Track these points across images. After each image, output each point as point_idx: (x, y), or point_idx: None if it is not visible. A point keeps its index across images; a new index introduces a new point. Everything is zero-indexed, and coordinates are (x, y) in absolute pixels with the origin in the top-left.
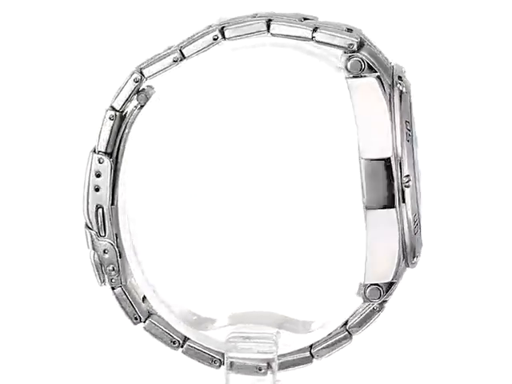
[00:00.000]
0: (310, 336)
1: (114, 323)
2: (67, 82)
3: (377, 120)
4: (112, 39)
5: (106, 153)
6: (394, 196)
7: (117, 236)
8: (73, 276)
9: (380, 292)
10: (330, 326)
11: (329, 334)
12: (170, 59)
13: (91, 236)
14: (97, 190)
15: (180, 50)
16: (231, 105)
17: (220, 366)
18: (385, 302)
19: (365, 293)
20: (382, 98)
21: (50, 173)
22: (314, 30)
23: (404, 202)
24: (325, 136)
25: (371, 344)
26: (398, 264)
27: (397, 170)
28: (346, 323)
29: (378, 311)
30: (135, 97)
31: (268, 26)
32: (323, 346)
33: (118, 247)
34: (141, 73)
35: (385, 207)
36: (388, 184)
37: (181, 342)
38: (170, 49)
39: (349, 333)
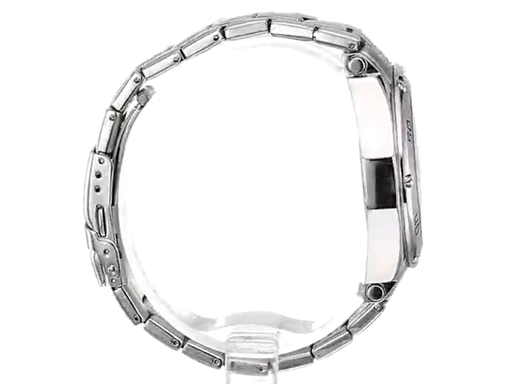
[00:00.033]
0: (310, 336)
1: (115, 323)
2: (67, 82)
3: (378, 120)
4: (112, 39)
5: (106, 153)
6: (395, 196)
7: (117, 236)
8: (73, 276)
9: (381, 292)
10: (331, 325)
11: (329, 334)
12: (170, 59)
13: (91, 236)
14: (97, 190)
15: (180, 50)
16: (232, 105)
17: (220, 366)
18: (385, 301)
19: (366, 293)
20: (383, 97)
21: (50, 173)
22: (315, 29)
23: (405, 201)
24: (325, 136)
25: (372, 344)
26: (399, 264)
27: (398, 170)
28: (346, 323)
29: (379, 311)
30: (135, 97)
31: (268, 26)
32: (324, 345)
33: (118, 247)
34: (141, 73)
35: (386, 207)
36: (389, 184)
37: (181, 342)
38: (170, 49)
39: (349, 332)
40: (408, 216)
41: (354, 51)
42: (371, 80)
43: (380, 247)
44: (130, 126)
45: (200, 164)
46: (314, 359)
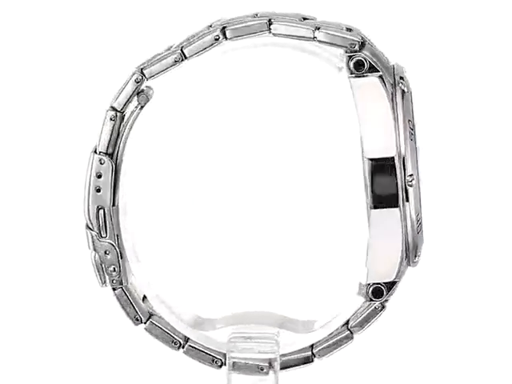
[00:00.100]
0: (311, 336)
1: (115, 324)
2: (68, 82)
3: (380, 119)
4: (112, 39)
5: (106, 153)
6: (397, 195)
7: (118, 237)
8: (73, 277)
9: (382, 291)
10: (331, 325)
11: (330, 334)
12: (171, 59)
13: (92, 237)
14: (98, 190)
15: (181, 50)
16: (232, 105)
17: (221, 366)
18: (386, 301)
19: (367, 292)
20: (384, 97)
21: (50, 174)
22: (316, 29)
23: (408, 201)
24: (326, 136)
25: (372, 343)
26: (401, 263)
27: (400, 169)
28: (347, 323)
29: (380, 310)
30: (136, 97)
31: (269, 26)
32: (324, 345)
33: (119, 248)
34: (142, 73)
35: (388, 206)
36: (391, 183)
37: (182, 342)
38: (170, 49)
39: (350, 332)
40: (410, 215)
41: (355, 51)
42: (373, 80)
43: (382, 247)
44: (131, 127)
45: (201, 164)
46: (315, 359)
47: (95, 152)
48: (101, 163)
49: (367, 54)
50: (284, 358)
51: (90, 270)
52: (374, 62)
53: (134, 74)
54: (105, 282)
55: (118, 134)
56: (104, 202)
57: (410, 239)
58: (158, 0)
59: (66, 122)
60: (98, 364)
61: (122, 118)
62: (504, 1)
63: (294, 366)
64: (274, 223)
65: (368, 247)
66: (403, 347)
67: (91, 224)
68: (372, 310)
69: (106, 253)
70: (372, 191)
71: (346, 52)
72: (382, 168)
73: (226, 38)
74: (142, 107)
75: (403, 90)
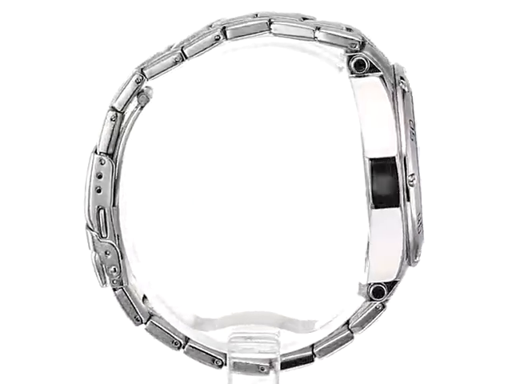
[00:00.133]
0: (311, 335)
1: (116, 324)
2: (68, 82)
3: (381, 119)
4: (112, 39)
5: (107, 154)
6: (398, 195)
7: (118, 237)
8: (74, 278)
9: (383, 291)
10: (332, 325)
11: (330, 334)
12: (171, 60)
13: (92, 237)
14: (98, 191)
15: (181, 51)
16: (233, 105)
17: (222, 366)
18: (387, 300)
19: (368, 292)
20: (385, 96)
21: (51, 174)
22: (316, 29)
23: (409, 200)
24: (326, 136)
25: (373, 343)
26: (402, 263)
27: (402, 169)
28: (347, 322)
29: (381, 310)
30: (136, 98)
31: (269, 26)
32: (325, 345)
33: (119, 248)
34: (142, 73)
35: (389, 206)
36: (393, 183)
37: (182, 342)
38: (170, 49)
39: (351, 332)
40: (411, 215)
41: (356, 51)
42: (374, 80)
43: (383, 246)
44: (131, 127)
45: (201, 165)
46: (316, 359)
47: (95, 152)
48: (101, 163)
49: (368, 53)
50: (284, 358)
51: (90, 271)
52: (374, 61)
53: (134, 74)
54: (105, 282)
55: (119, 135)
56: (104, 203)
57: (410, 239)
58: (158, 0)
59: (67, 123)
60: (99, 364)
61: (122, 118)
62: (504, 1)
63: (294, 365)
64: (275, 223)
65: (369, 247)
66: (403, 347)
67: (91, 224)
68: (372, 310)
69: (106, 253)
70: (373, 191)
71: (347, 52)
72: (382, 168)
73: (226, 38)
74: (142, 107)
75: (404, 90)
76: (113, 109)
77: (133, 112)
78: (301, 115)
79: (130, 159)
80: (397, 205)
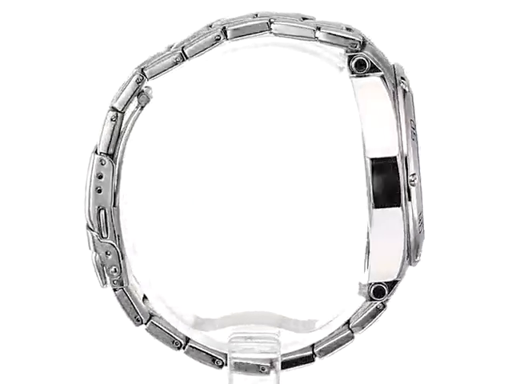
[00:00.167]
0: (311, 335)
1: (116, 324)
2: (68, 82)
3: (382, 119)
4: (112, 39)
5: (107, 154)
6: (400, 195)
7: (118, 237)
8: (74, 278)
9: (384, 291)
10: (332, 325)
11: (331, 334)
12: (171, 60)
13: (93, 237)
14: (99, 191)
15: (182, 51)
16: (234, 105)
17: (222, 366)
18: (387, 300)
19: (369, 292)
20: (386, 96)
21: (51, 174)
22: (317, 29)
23: (410, 200)
24: (327, 136)
25: (373, 343)
26: (403, 262)
27: (403, 169)
28: (348, 322)
29: (381, 310)
30: (136, 98)
31: (270, 26)
32: (325, 345)
33: (119, 248)
34: (142, 73)
35: (390, 206)
36: (394, 182)
37: (183, 342)
38: (171, 49)
39: (351, 331)
40: (412, 215)
41: (357, 51)
42: (375, 79)
43: (384, 246)
44: (131, 127)
45: (202, 165)
46: (316, 358)
47: (96, 152)
48: (101, 164)
49: (368, 53)
50: (285, 358)
51: (90, 271)
52: (375, 61)
53: (134, 74)
54: (105, 282)
55: (119, 135)
56: (105, 203)
57: (411, 239)
58: (158, 0)
59: (67, 123)
60: (100, 364)
61: (123, 119)
62: (504, 1)
63: (294, 365)
64: (275, 223)
65: (370, 247)
66: (404, 347)
67: (92, 224)
68: (373, 310)
69: (106, 253)
70: (374, 191)
71: (347, 52)
72: (384, 167)
73: (226, 38)
74: (142, 107)
75: (404, 90)
76: (113, 109)
77: (133, 112)
78: (301, 115)
79: (131, 159)
80: (398, 204)
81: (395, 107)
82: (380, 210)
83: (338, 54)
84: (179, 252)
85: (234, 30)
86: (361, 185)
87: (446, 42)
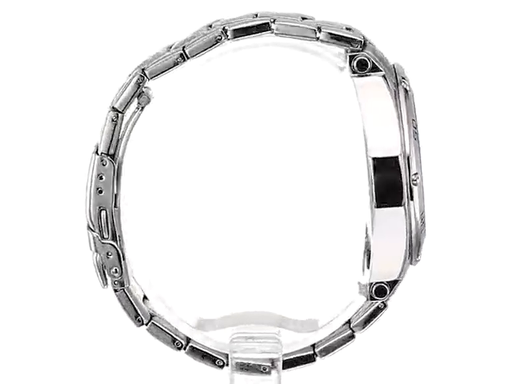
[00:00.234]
0: (312, 335)
1: (117, 325)
2: (69, 83)
3: (384, 118)
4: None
5: (108, 154)
6: (402, 194)
7: (119, 238)
8: (75, 279)
9: (385, 290)
10: (333, 324)
11: (332, 333)
12: (172, 60)
13: (93, 238)
14: (99, 191)
15: (182, 51)
16: (234, 105)
17: (223, 366)
18: (388, 299)
19: (370, 291)
20: (388, 96)
21: (52, 175)
22: (318, 29)
23: (412, 199)
24: (328, 135)
25: (374, 342)
26: (404, 262)
27: (405, 168)
28: (348, 322)
29: (382, 309)
30: (136, 98)
31: (271, 26)
32: (326, 345)
33: (120, 249)
34: (143, 74)
35: (392, 205)
36: (396, 182)
37: (183, 343)
38: (171, 49)
39: (352, 331)
40: (414, 214)
41: (358, 50)
42: (376, 79)
43: (386, 246)
44: (132, 128)
45: (202, 165)
46: (317, 358)
47: (96, 153)
48: (102, 164)
49: (369, 53)
50: (286, 358)
51: (91, 272)
52: (376, 61)
53: (135, 74)
54: (106, 283)
55: (120, 135)
56: (106, 203)
57: (413, 238)
58: (158, 0)
59: (68, 123)
60: (100, 365)
61: (123, 119)
62: (504, 1)
63: (296, 365)
64: (276, 223)
65: (371, 246)
66: (405, 346)
67: (93, 225)
68: (374, 309)
69: (107, 254)
70: (376, 190)
71: (348, 51)
72: (386, 167)
73: (227, 38)
74: (142, 108)
75: (406, 89)
76: (114, 109)
77: (134, 112)
78: (303, 115)
79: (131, 160)
80: (400, 204)
81: (397, 106)
82: (382, 209)
83: (339, 54)
84: (179, 252)
85: (235, 30)
86: (362, 185)
87: (446, 42)
